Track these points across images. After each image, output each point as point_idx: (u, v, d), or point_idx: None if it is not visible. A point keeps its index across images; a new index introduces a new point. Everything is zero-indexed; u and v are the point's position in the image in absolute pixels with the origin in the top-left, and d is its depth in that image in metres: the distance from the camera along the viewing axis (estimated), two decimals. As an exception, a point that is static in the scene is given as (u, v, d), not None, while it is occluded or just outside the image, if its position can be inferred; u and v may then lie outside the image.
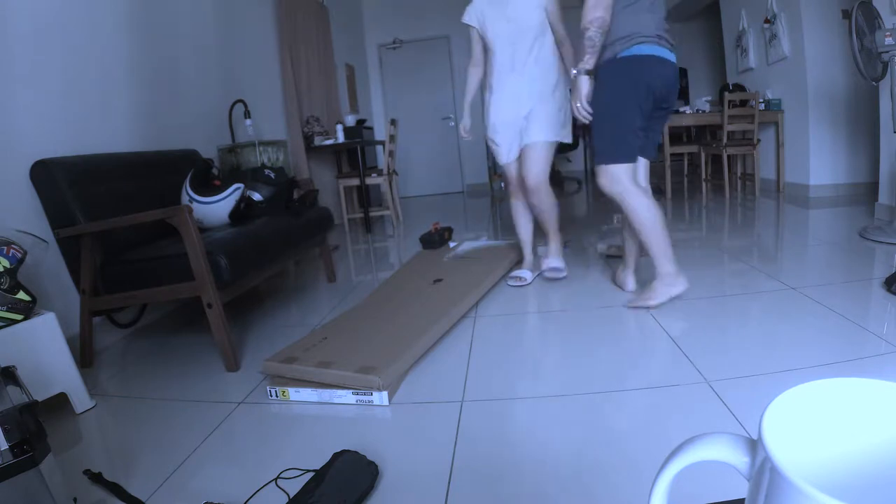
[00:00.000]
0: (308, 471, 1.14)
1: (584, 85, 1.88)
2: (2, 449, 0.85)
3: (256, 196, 2.46)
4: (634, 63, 1.81)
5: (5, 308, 1.46)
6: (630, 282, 2.20)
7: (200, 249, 1.72)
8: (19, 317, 1.49)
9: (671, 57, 1.85)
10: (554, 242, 2.49)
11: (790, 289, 2.06)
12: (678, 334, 1.73)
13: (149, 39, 2.67)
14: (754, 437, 0.30)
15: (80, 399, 1.58)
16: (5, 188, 1.84)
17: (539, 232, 2.57)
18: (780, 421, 0.29)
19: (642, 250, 2.14)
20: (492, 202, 5.71)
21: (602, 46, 1.85)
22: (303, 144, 4.32)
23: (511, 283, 2.45)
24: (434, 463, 1.17)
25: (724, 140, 4.40)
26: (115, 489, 1.14)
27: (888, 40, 2.55)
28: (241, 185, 2.36)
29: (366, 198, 4.52)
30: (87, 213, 1.91)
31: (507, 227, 3.96)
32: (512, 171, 2.46)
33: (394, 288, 2.38)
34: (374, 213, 4.77)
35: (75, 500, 0.99)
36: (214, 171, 2.43)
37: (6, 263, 1.48)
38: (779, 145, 4.49)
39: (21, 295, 1.50)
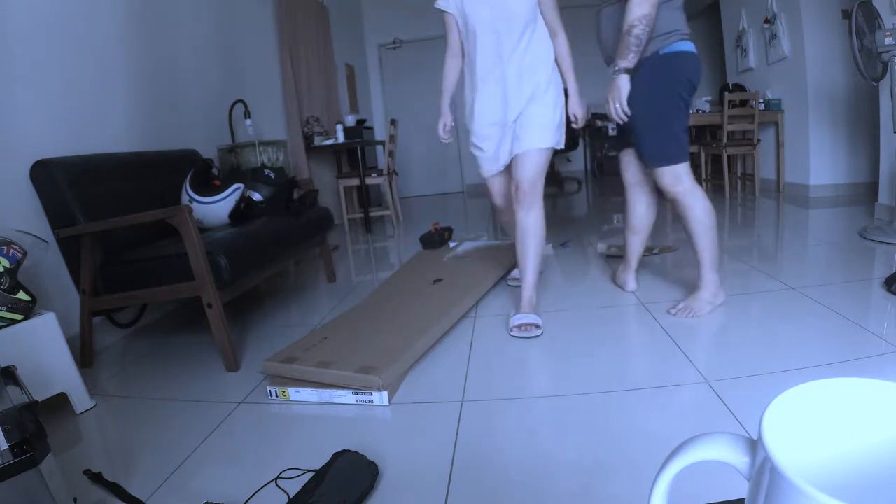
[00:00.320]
0: (308, 471, 1.14)
1: (626, 85, 1.77)
2: (2, 449, 0.85)
3: (256, 196, 2.46)
4: (679, 60, 1.76)
5: (5, 308, 1.46)
6: (631, 282, 2.20)
7: (200, 249, 1.72)
8: (19, 317, 1.49)
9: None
10: (529, 288, 1.97)
11: (790, 289, 2.06)
12: (678, 334, 1.73)
13: (149, 39, 2.67)
14: (754, 437, 0.30)
15: (80, 399, 1.58)
16: (5, 188, 1.84)
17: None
18: (780, 421, 0.29)
19: (653, 250, 2.13)
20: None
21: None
22: (303, 144, 4.32)
23: (511, 283, 2.39)
24: (434, 463, 1.17)
25: (724, 140, 4.40)
26: (115, 489, 1.14)
27: (888, 40, 2.55)
28: (241, 185, 2.36)
29: (366, 198, 4.52)
30: (87, 213, 1.91)
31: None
32: (497, 186, 2.11)
33: (394, 288, 2.38)
34: (374, 213, 4.77)
35: (75, 500, 0.99)
36: (214, 171, 2.43)
37: (6, 263, 1.48)
38: (779, 145, 4.49)
39: (21, 295, 1.50)
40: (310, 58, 4.65)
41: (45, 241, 1.78)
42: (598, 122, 7.15)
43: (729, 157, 4.53)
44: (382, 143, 4.88)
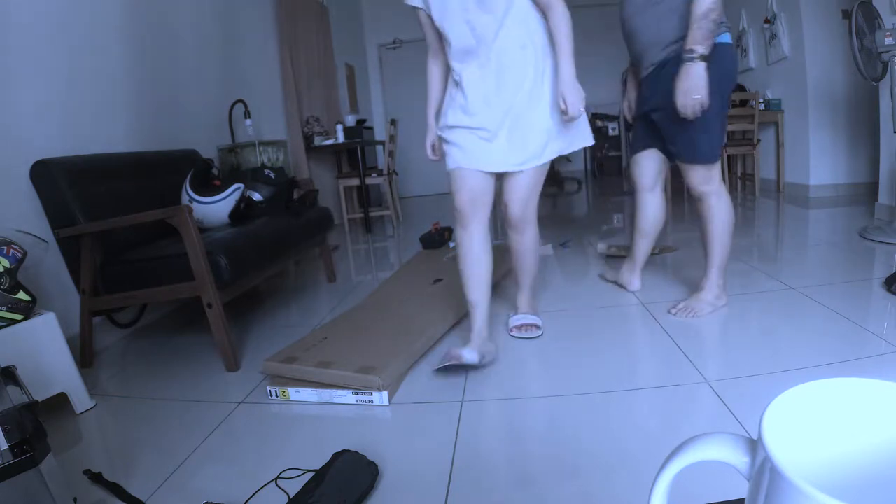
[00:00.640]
0: (308, 471, 1.14)
1: (704, 74, 1.59)
2: (2, 449, 0.85)
3: (256, 196, 2.46)
4: (726, 51, 1.68)
5: (5, 308, 1.46)
6: (636, 281, 2.18)
7: (200, 249, 1.72)
8: (19, 317, 1.49)
9: None
10: (526, 295, 1.89)
11: (790, 289, 2.06)
12: (678, 334, 1.73)
13: (149, 39, 2.67)
14: (754, 437, 0.30)
15: (80, 399, 1.58)
16: (5, 188, 1.84)
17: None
18: (780, 421, 0.29)
19: (654, 250, 2.07)
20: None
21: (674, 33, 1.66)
22: (303, 144, 4.32)
23: (441, 365, 1.57)
24: (434, 463, 1.17)
25: (724, 140, 4.40)
26: (115, 489, 1.14)
27: (888, 40, 2.55)
28: (241, 185, 2.36)
29: (366, 198, 4.52)
30: (87, 213, 1.91)
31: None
32: (467, 182, 1.61)
33: (394, 288, 2.38)
34: (374, 213, 4.77)
35: (75, 500, 0.99)
36: (214, 171, 2.43)
37: (6, 263, 1.48)
38: (779, 145, 4.49)
39: (21, 295, 1.50)
40: (310, 58, 4.64)
41: (45, 241, 1.78)
42: (598, 122, 7.15)
43: (729, 157, 4.53)
44: (382, 143, 4.88)
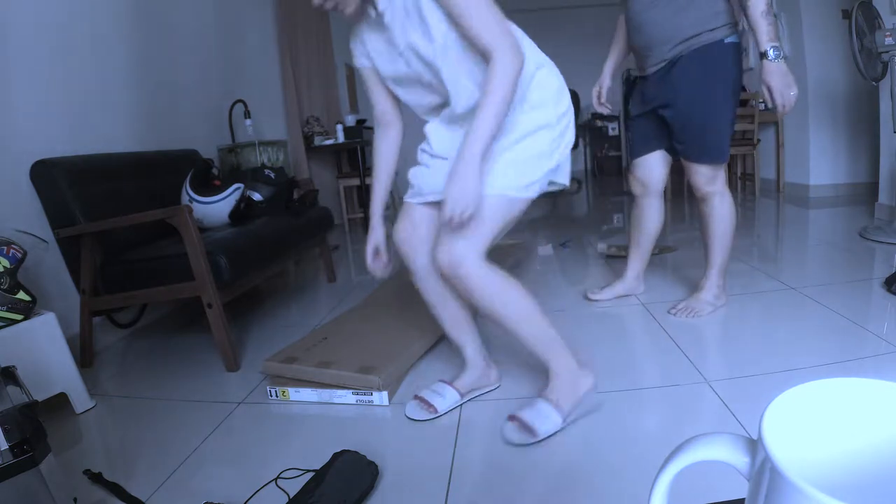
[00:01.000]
0: (308, 471, 1.14)
1: (788, 69, 1.56)
2: (2, 449, 0.85)
3: (256, 196, 2.46)
4: (737, 52, 1.69)
5: (5, 308, 1.46)
6: (641, 285, 2.14)
7: (200, 249, 1.72)
8: (19, 317, 1.49)
9: None
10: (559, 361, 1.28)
11: (790, 289, 2.06)
12: (678, 334, 1.73)
13: (149, 39, 2.67)
14: (754, 437, 0.30)
15: (80, 399, 1.58)
16: (5, 188, 1.84)
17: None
18: (780, 421, 0.29)
19: (653, 250, 2.04)
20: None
21: (695, 27, 1.65)
22: (303, 144, 4.32)
23: (412, 414, 1.38)
24: (434, 463, 1.17)
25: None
26: (115, 489, 1.14)
27: (888, 40, 2.55)
28: (241, 185, 2.36)
29: (366, 198, 4.52)
30: (87, 213, 1.91)
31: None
32: (414, 219, 1.33)
33: (394, 288, 2.38)
34: (374, 213, 4.76)
35: (75, 500, 0.99)
36: (214, 171, 2.43)
37: (6, 263, 1.48)
38: (779, 145, 4.48)
39: (21, 295, 1.50)
40: (310, 58, 4.64)
41: (45, 241, 1.78)
42: (598, 122, 7.15)
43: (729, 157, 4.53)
44: (382, 143, 4.87)
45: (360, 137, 4.66)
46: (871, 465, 0.30)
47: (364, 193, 4.50)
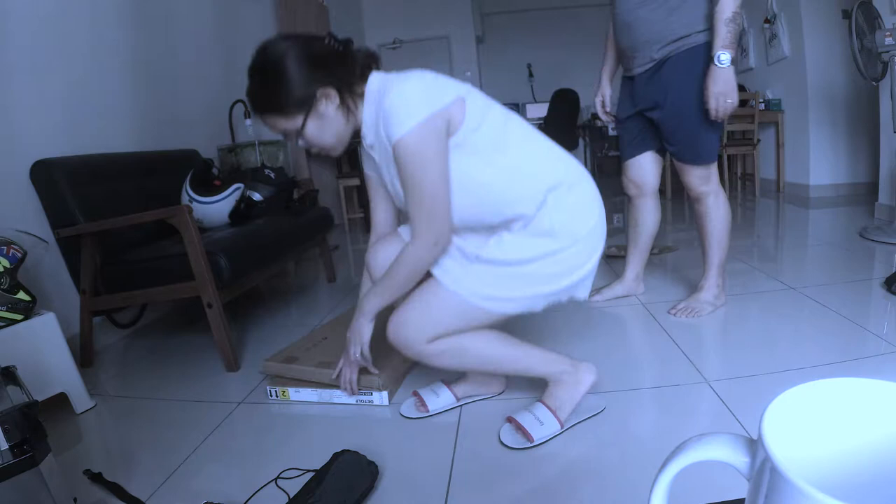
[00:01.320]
0: (308, 471, 1.14)
1: (734, 77, 1.60)
2: (2, 449, 0.85)
3: (256, 196, 2.46)
4: None
5: (5, 308, 1.46)
6: (642, 286, 2.14)
7: (200, 249, 1.72)
8: (19, 317, 1.49)
9: None
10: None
11: (790, 289, 2.06)
12: (678, 334, 1.73)
13: (149, 39, 2.67)
14: (754, 437, 0.30)
15: (80, 399, 1.58)
16: (5, 188, 1.84)
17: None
18: (780, 421, 0.29)
19: (653, 250, 2.02)
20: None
21: (677, 30, 1.64)
22: (303, 144, 4.31)
23: (405, 411, 1.40)
24: (434, 463, 1.17)
25: (724, 140, 4.40)
26: (115, 489, 1.14)
27: (888, 40, 2.55)
28: (241, 185, 2.36)
29: (366, 198, 4.51)
30: (87, 213, 1.91)
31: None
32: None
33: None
34: (374, 213, 4.76)
35: (75, 500, 0.99)
36: (214, 171, 2.43)
37: (6, 263, 1.48)
38: (779, 145, 4.49)
39: (21, 295, 1.50)
40: (310, 58, 4.64)
41: (45, 241, 1.78)
42: (599, 122, 7.15)
43: (729, 157, 4.53)
44: (382, 143, 4.87)
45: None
46: (870, 465, 0.30)
47: (364, 194, 4.50)
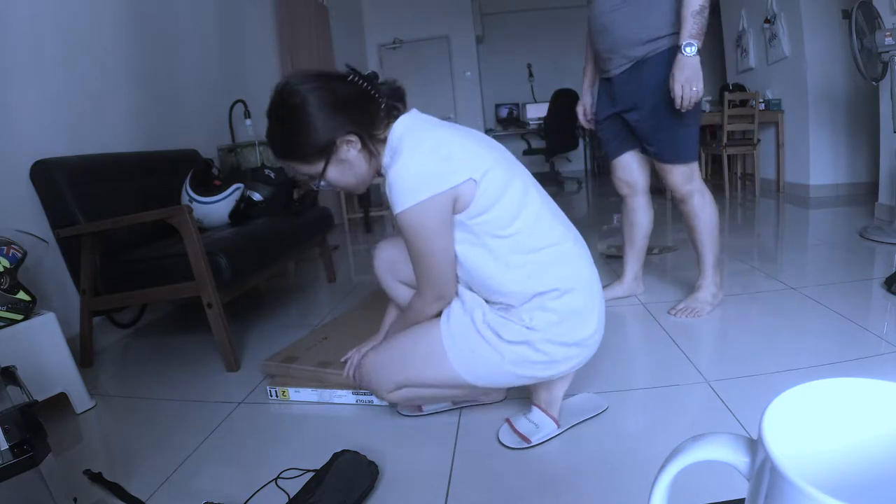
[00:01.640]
0: (308, 471, 1.14)
1: (700, 67, 1.60)
2: (2, 449, 0.85)
3: (256, 196, 2.46)
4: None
5: (5, 308, 1.46)
6: (641, 286, 2.14)
7: (200, 249, 1.72)
8: (19, 317, 1.49)
9: None
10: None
11: (790, 289, 2.06)
12: (678, 334, 1.73)
13: (149, 39, 2.67)
14: (754, 437, 0.30)
15: (80, 399, 1.58)
16: (5, 188, 1.84)
17: None
18: (780, 421, 0.29)
19: (653, 250, 2.02)
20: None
21: (656, 30, 1.65)
22: (303, 144, 4.31)
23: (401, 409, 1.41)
24: (434, 463, 1.17)
25: (724, 140, 4.40)
26: (115, 489, 1.14)
27: (888, 40, 2.55)
28: (241, 185, 2.36)
29: (366, 198, 4.52)
30: (87, 213, 1.91)
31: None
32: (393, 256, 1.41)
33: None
34: (374, 213, 4.76)
35: (75, 500, 0.99)
36: (214, 171, 2.43)
37: (6, 263, 1.48)
38: (779, 145, 4.48)
39: (21, 295, 1.50)
40: (310, 58, 4.64)
41: (45, 241, 1.78)
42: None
43: (729, 157, 4.53)
44: (382, 143, 4.87)
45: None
46: (870, 465, 0.30)
47: (364, 194, 4.50)
